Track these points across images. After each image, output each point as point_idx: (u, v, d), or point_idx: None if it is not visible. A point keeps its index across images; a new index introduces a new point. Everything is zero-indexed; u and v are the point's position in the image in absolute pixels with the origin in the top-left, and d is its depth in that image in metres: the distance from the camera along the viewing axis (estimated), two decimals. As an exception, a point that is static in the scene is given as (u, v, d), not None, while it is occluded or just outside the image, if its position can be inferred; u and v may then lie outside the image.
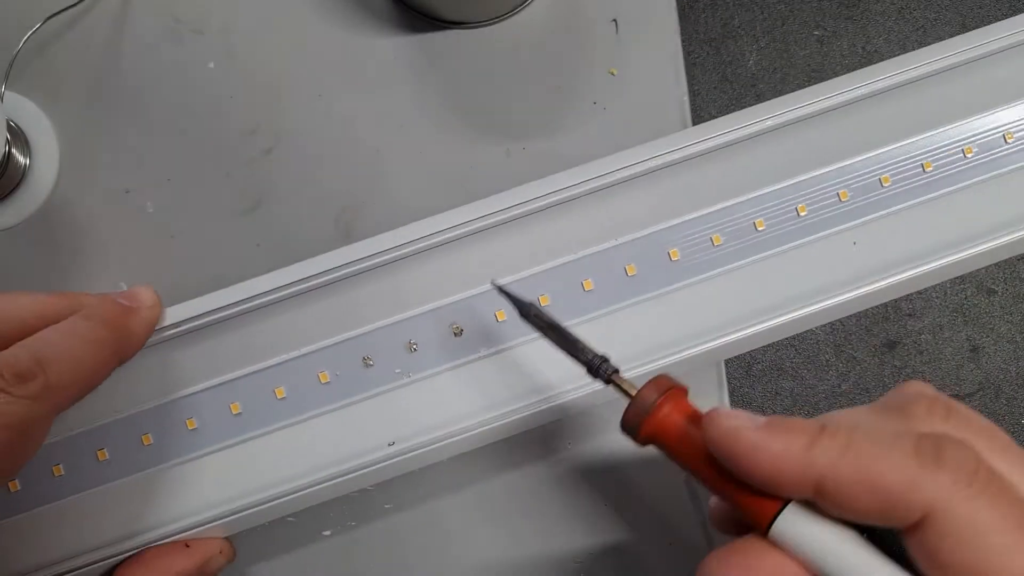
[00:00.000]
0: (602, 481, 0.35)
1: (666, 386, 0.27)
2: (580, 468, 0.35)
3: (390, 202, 0.37)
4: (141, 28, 0.38)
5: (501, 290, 0.31)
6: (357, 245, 0.33)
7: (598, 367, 0.28)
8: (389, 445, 0.33)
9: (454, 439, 0.32)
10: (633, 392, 0.27)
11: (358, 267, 0.33)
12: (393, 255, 0.33)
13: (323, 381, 0.33)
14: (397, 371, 0.33)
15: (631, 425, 0.27)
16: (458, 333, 0.33)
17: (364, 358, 0.33)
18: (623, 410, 0.27)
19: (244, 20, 0.38)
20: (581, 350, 0.29)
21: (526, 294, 0.31)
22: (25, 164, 0.37)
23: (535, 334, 0.31)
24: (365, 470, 0.32)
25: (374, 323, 0.34)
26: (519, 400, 0.33)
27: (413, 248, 0.33)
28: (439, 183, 0.37)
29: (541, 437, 0.35)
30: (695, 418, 0.26)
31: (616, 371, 0.28)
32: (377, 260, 0.33)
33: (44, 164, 0.37)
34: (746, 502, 0.24)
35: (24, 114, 0.37)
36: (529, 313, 0.30)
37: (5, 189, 0.37)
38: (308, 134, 0.37)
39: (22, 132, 0.37)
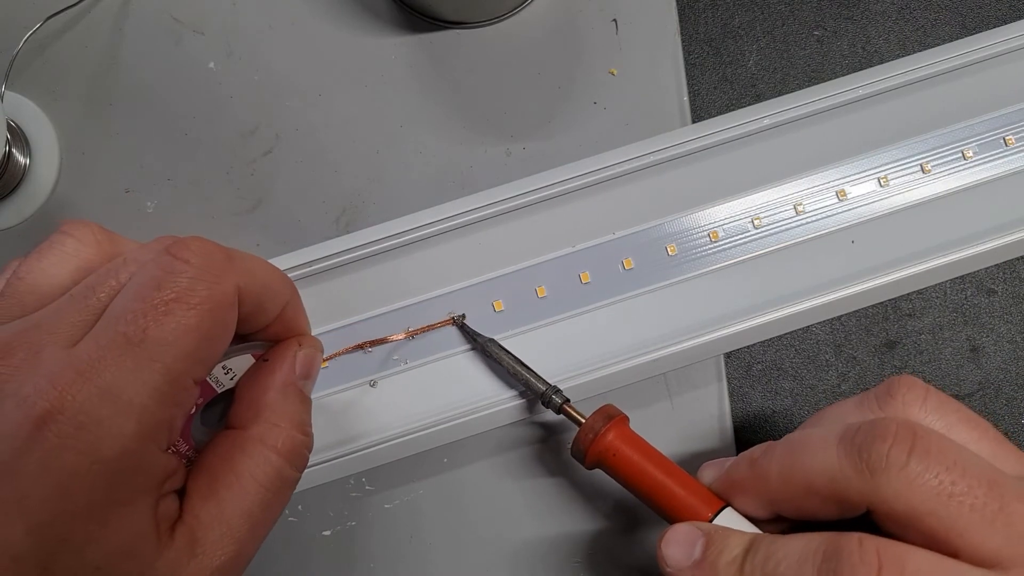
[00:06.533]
0: (603, 481, 0.35)
1: (610, 415, 0.29)
2: (581, 467, 0.35)
3: (390, 202, 0.37)
4: (141, 28, 0.38)
5: (462, 327, 0.33)
6: (358, 233, 0.34)
7: (551, 397, 0.31)
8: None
9: (447, 425, 0.33)
10: (582, 420, 0.30)
11: (356, 255, 0.34)
12: (392, 243, 0.34)
13: (321, 366, 0.33)
14: (395, 358, 0.34)
15: (579, 450, 0.29)
16: (458, 322, 0.34)
17: (362, 344, 0.34)
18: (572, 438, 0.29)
19: (244, 20, 0.38)
20: (535, 381, 0.31)
21: (484, 327, 0.33)
22: (25, 164, 0.37)
23: (529, 326, 0.34)
24: (354, 455, 0.33)
25: (372, 311, 0.34)
26: (510, 391, 0.33)
27: (413, 236, 0.34)
28: (439, 183, 0.37)
29: (540, 437, 0.35)
30: (633, 442, 0.29)
31: (567, 401, 0.31)
32: (377, 248, 0.34)
33: (44, 164, 0.37)
34: (683, 516, 0.27)
35: (24, 114, 0.37)
36: (490, 349, 0.32)
37: (5, 189, 0.37)
38: (308, 134, 0.37)
39: (22, 132, 0.37)
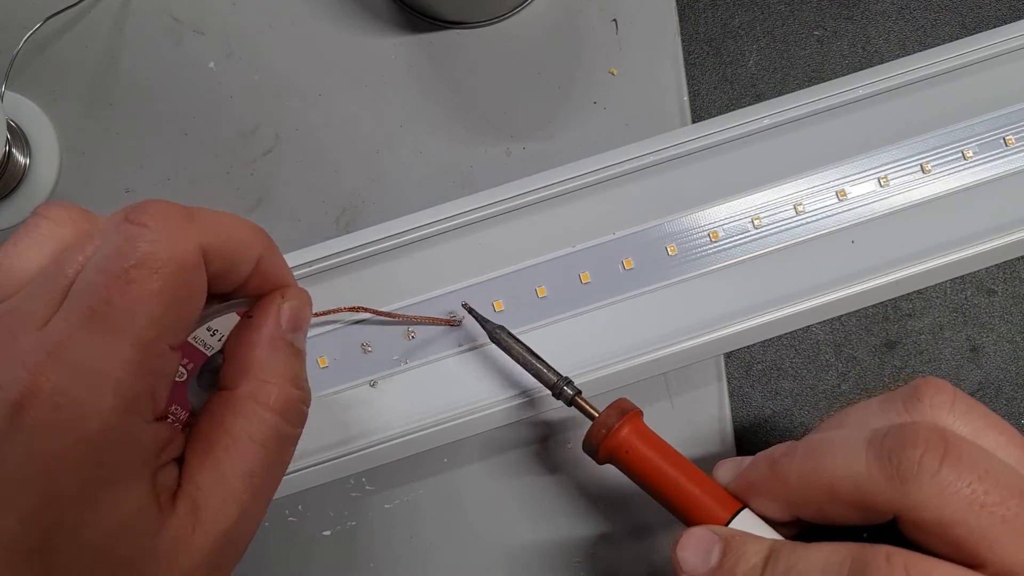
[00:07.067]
0: (603, 480, 0.35)
1: (625, 409, 0.28)
2: (582, 467, 0.35)
3: (390, 202, 0.37)
4: (141, 28, 0.38)
5: (472, 312, 0.32)
6: (358, 233, 0.34)
7: (562, 389, 0.30)
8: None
9: (447, 425, 0.33)
10: (595, 414, 0.29)
11: (356, 255, 0.34)
12: (392, 243, 0.34)
13: (321, 366, 0.33)
14: (395, 358, 0.34)
15: (591, 445, 0.28)
16: (456, 324, 0.34)
17: (363, 344, 0.34)
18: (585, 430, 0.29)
19: (244, 20, 0.38)
20: (547, 372, 0.30)
21: (495, 318, 0.33)
22: (25, 164, 0.37)
23: (530, 326, 0.33)
24: (354, 455, 0.33)
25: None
26: (510, 390, 0.33)
27: (413, 236, 0.34)
28: (439, 183, 0.37)
29: (539, 437, 0.35)
30: (649, 438, 0.28)
31: (579, 393, 0.30)
32: (377, 248, 0.34)
33: (44, 164, 0.37)
34: (699, 517, 0.26)
35: (24, 114, 0.37)
36: (499, 336, 0.31)
37: (5, 189, 0.37)
38: (308, 134, 0.37)
39: (22, 132, 0.37)
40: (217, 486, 0.21)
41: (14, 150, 0.36)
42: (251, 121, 0.38)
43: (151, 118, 0.38)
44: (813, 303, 0.33)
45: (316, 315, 0.31)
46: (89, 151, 0.37)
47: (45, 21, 0.37)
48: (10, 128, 0.36)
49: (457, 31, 0.38)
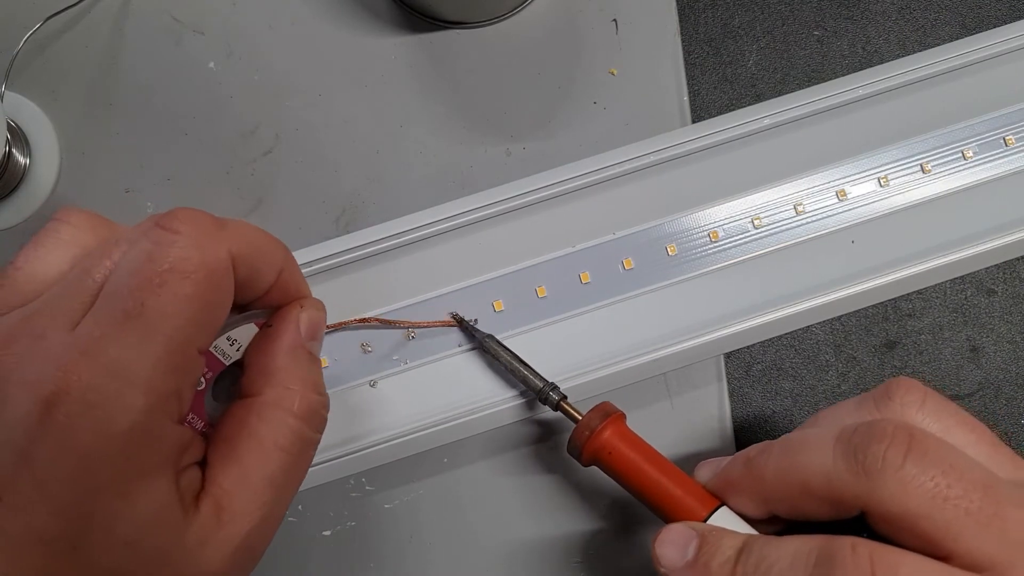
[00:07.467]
0: (603, 480, 0.35)
1: (607, 412, 0.29)
2: (580, 467, 0.35)
3: (390, 202, 0.37)
4: (141, 28, 0.38)
5: (461, 322, 0.33)
6: (358, 234, 0.34)
7: (548, 394, 0.31)
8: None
9: (447, 425, 0.33)
10: (579, 417, 0.30)
11: (356, 255, 0.34)
12: (392, 243, 0.34)
13: (321, 366, 0.33)
14: (395, 358, 0.34)
15: (575, 447, 0.29)
16: (456, 319, 0.34)
17: (363, 344, 0.34)
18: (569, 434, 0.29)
19: (244, 20, 0.38)
20: (534, 378, 0.31)
21: (484, 327, 0.33)
22: (25, 164, 0.37)
23: (530, 326, 0.33)
24: (354, 455, 0.33)
25: (373, 311, 0.34)
26: (509, 390, 0.33)
27: (413, 236, 0.34)
28: (439, 183, 0.37)
29: (540, 437, 0.35)
30: (630, 440, 0.29)
31: (564, 398, 0.31)
32: (377, 248, 0.34)
33: (44, 164, 0.37)
34: (678, 515, 0.27)
35: (24, 114, 0.37)
36: (488, 345, 0.32)
37: (5, 189, 0.37)
38: (308, 134, 0.37)
39: (22, 132, 0.37)
40: (241, 489, 0.22)
41: (14, 150, 0.36)
42: (251, 121, 0.38)
43: (151, 118, 0.38)
44: (813, 303, 0.33)
45: (327, 327, 0.32)
46: (89, 151, 0.37)
47: (45, 21, 0.37)
48: (10, 128, 0.36)
49: (457, 31, 0.38)
